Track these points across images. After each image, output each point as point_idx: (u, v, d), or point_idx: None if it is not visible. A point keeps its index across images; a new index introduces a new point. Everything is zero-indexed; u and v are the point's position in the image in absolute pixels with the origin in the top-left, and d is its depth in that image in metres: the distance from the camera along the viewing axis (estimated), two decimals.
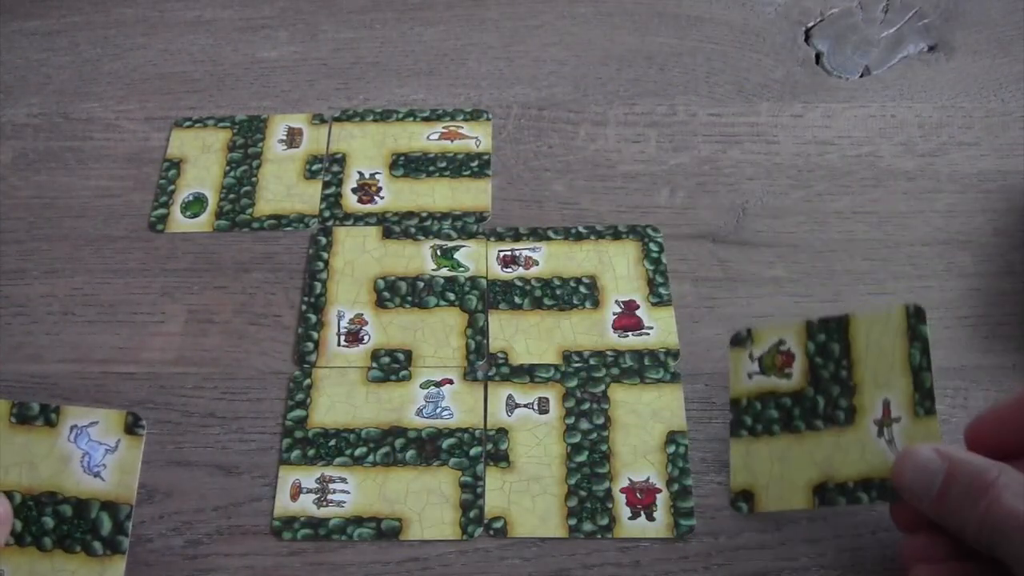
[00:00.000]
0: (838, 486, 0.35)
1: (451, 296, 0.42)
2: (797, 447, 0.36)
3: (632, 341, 0.41)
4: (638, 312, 0.42)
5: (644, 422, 0.39)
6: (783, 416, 0.37)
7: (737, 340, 0.39)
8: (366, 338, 0.41)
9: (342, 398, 0.40)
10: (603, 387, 0.40)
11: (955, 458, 0.32)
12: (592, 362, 0.40)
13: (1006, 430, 0.33)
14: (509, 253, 0.44)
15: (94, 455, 0.36)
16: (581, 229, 0.44)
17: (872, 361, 0.36)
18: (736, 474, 0.37)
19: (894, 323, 0.36)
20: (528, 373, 0.40)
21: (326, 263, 0.44)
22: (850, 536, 0.36)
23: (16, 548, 0.35)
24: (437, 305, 0.42)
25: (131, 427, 0.37)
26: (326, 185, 0.47)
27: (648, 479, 0.37)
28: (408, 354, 0.41)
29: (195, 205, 0.46)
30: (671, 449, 0.38)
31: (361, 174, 0.47)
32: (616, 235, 0.44)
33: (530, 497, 0.37)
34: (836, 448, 0.35)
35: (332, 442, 0.38)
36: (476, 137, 0.48)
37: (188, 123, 0.49)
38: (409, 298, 0.42)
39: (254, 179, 0.47)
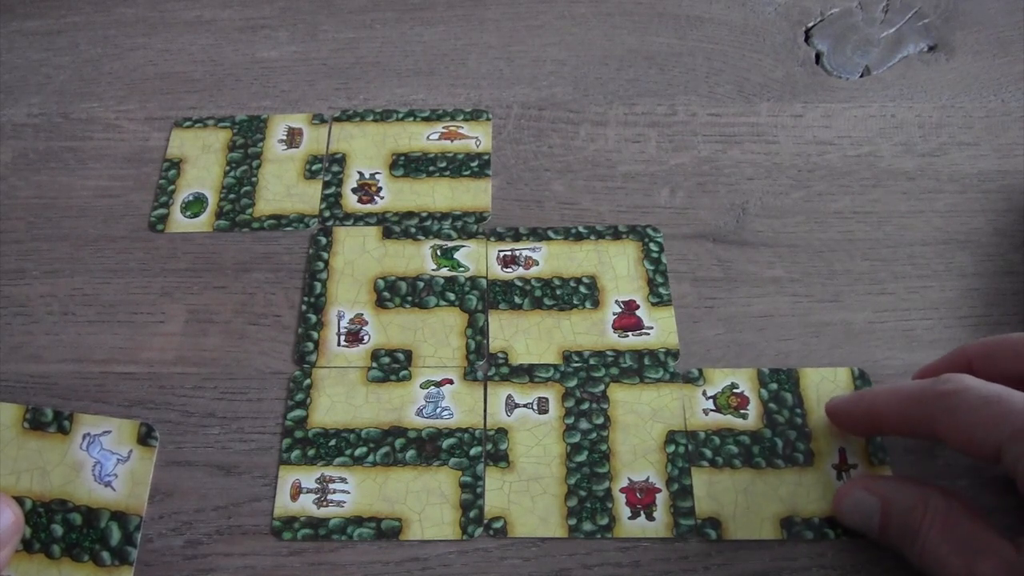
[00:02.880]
0: (804, 520, 0.36)
1: (451, 296, 0.42)
2: (760, 482, 0.37)
3: (632, 341, 0.41)
4: (638, 312, 0.42)
5: (644, 422, 0.39)
6: (743, 452, 0.38)
7: (688, 378, 0.39)
8: (366, 338, 0.41)
9: (342, 398, 0.40)
10: (603, 387, 0.40)
11: (886, 496, 0.34)
12: (592, 362, 0.40)
13: (873, 418, 0.35)
14: (509, 253, 0.44)
15: (106, 464, 0.37)
16: (581, 229, 0.44)
17: (825, 412, 0.38)
18: (700, 502, 0.37)
19: (842, 382, 0.39)
20: (528, 373, 0.40)
21: (326, 263, 0.44)
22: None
23: (24, 555, 0.35)
24: (437, 305, 0.42)
25: (144, 437, 0.37)
26: (326, 185, 0.47)
27: (648, 479, 0.37)
28: (408, 354, 0.41)
29: (195, 205, 0.46)
30: (671, 449, 0.38)
31: (361, 174, 0.47)
32: (616, 235, 0.44)
33: (530, 497, 0.37)
34: (799, 486, 0.37)
35: (332, 442, 0.38)
36: (476, 137, 0.48)
37: (188, 123, 0.49)
38: (409, 298, 0.42)
39: (254, 179, 0.47)
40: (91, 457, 0.37)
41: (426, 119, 0.49)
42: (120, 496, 0.36)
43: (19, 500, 0.35)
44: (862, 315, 0.42)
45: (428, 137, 0.48)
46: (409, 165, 0.47)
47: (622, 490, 0.37)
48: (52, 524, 0.35)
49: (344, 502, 0.37)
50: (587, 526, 0.36)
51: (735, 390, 0.39)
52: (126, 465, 0.37)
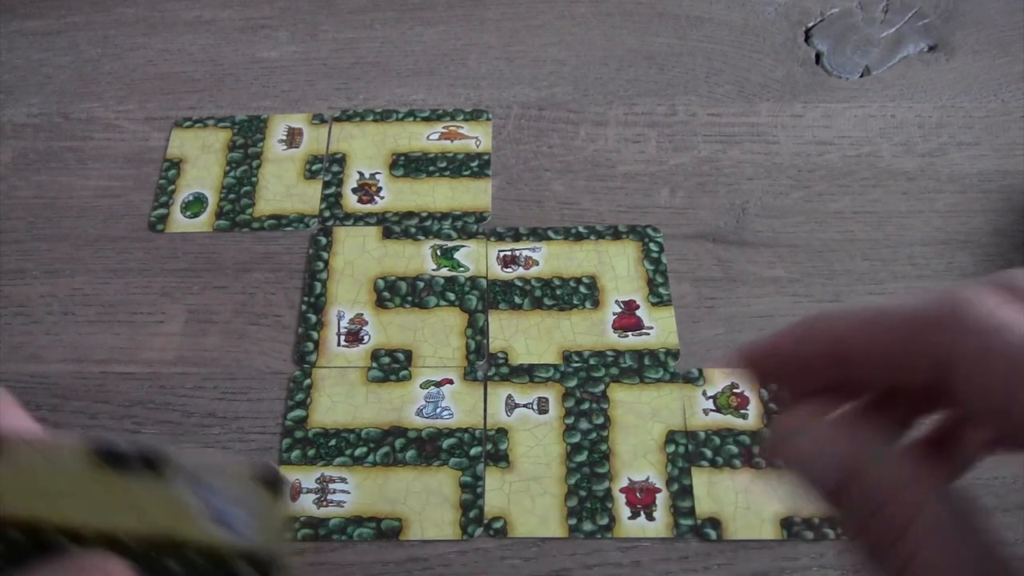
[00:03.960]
0: (804, 520, 0.36)
1: (451, 296, 0.42)
2: (761, 482, 0.37)
3: (632, 341, 0.41)
4: (638, 312, 0.42)
5: (644, 422, 0.39)
6: (744, 452, 0.38)
7: (688, 378, 0.40)
8: (366, 338, 0.41)
9: (342, 398, 0.40)
10: (603, 387, 0.40)
11: (863, 471, 0.20)
12: (592, 362, 0.40)
13: (832, 356, 0.22)
14: (509, 253, 0.44)
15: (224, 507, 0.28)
16: (581, 229, 0.44)
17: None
18: (700, 502, 0.37)
19: None
20: (528, 373, 0.40)
21: (326, 263, 0.44)
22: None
23: None
24: (437, 305, 0.42)
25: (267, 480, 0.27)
26: (326, 185, 0.47)
27: (648, 479, 0.37)
28: (408, 354, 0.41)
29: (195, 205, 0.46)
30: (671, 449, 0.38)
31: (361, 174, 0.47)
32: (616, 235, 0.44)
33: (530, 497, 0.37)
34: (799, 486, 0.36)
35: (332, 442, 0.38)
36: (476, 137, 0.48)
37: (188, 123, 0.49)
38: (409, 298, 0.42)
39: (254, 179, 0.47)
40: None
41: (426, 119, 0.49)
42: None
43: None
44: None
45: (428, 137, 0.48)
46: (409, 165, 0.47)
47: (622, 490, 0.37)
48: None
49: (344, 502, 0.37)
50: (587, 526, 0.36)
51: (735, 390, 0.39)
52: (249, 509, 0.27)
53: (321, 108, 0.50)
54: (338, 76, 0.51)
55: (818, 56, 0.52)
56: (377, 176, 0.47)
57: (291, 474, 0.38)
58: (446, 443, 0.38)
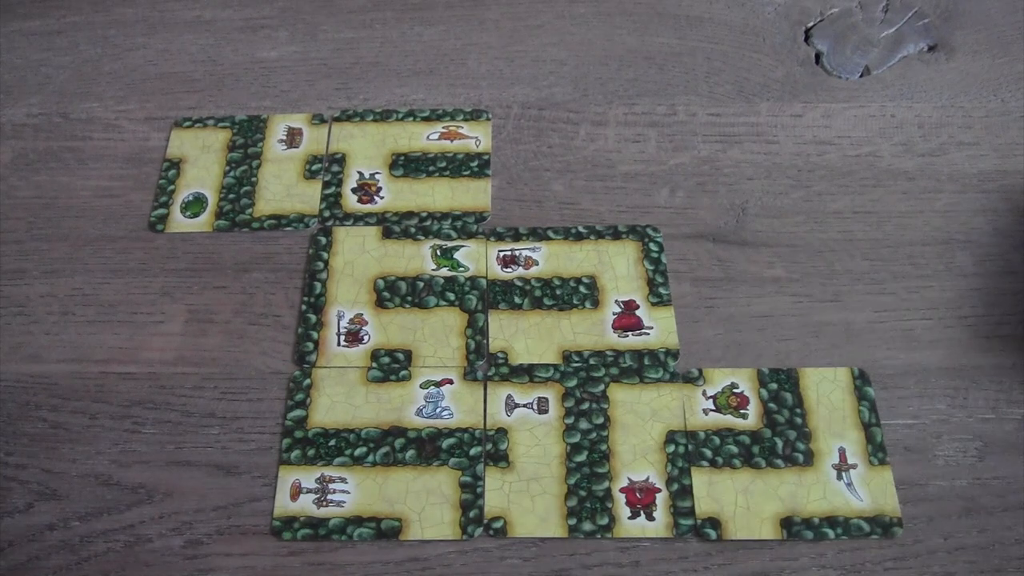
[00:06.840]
0: (804, 520, 0.36)
1: (451, 296, 0.42)
2: (760, 482, 0.37)
3: (632, 341, 0.41)
4: (638, 312, 0.42)
5: (643, 422, 0.39)
6: (743, 452, 0.38)
7: (688, 378, 0.39)
8: (366, 338, 0.41)
9: (342, 398, 0.40)
10: (602, 387, 0.40)
11: None
12: (592, 362, 0.40)
13: None
14: (509, 253, 0.44)
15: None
16: (581, 229, 0.44)
17: (824, 412, 0.39)
18: (700, 502, 0.37)
19: (841, 382, 0.39)
20: (527, 373, 0.40)
21: (326, 263, 0.44)
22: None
23: None
24: (437, 305, 0.42)
25: None
26: (326, 185, 0.47)
27: (648, 479, 0.37)
28: (408, 354, 0.41)
29: (195, 205, 0.46)
30: (671, 449, 0.38)
31: (361, 174, 0.47)
32: (616, 235, 0.44)
33: (530, 497, 0.37)
34: (799, 486, 0.37)
35: (332, 442, 0.38)
36: (476, 137, 0.48)
37: (188, 123, 0.49)
38: (409, 298, 0.42)
39: (254, 179, 0.47)
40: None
41: (426, 119, 0.49)
42: None
43: None
44: (862, 315, 0.42)
45: (428, 137, 0.48)
46: (409, 165, 0.47)
47: (622, 490, 0.37)
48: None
49: (344, 502, 0.37)
50: (587, 526, 0.36)
51: (735, 390, 0.39)
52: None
53: (321, 108, 0.50)
54: (338, 76, 0.52)
55: (818, 56, 0.52)
56: (377, 176, 0.47)
57: (291, 474, 0.38)
58: (446, 443, 0.38)
